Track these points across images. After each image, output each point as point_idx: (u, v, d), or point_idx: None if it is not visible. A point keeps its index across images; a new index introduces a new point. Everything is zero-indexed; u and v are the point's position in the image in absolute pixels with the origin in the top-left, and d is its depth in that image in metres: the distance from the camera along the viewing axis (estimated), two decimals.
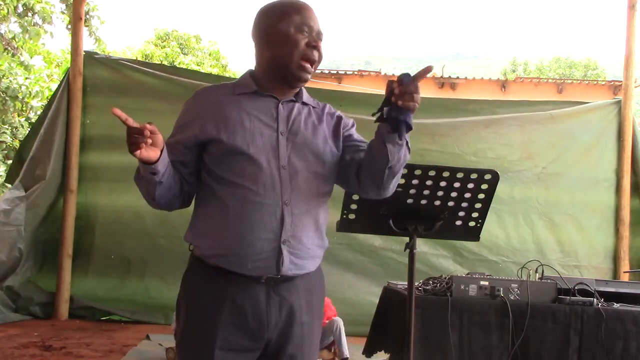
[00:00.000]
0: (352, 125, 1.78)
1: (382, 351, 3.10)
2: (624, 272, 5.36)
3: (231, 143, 1.57)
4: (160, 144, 1.49)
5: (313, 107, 1.73)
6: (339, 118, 1.76)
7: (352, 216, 2.31)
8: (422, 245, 5.37)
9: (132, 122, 1.43)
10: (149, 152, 1.46)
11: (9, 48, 9.09)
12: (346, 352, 4.02)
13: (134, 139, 1.43)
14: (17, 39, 8.95)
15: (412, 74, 1.48)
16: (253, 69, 1.73)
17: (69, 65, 5.75)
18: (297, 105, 1.69)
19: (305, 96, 1.72)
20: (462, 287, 2.84)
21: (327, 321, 4.14)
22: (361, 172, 1.67)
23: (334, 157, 1.69)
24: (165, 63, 17.58)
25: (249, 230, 1.55)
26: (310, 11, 1.66)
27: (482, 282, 2.86)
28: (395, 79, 1.48)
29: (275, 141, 1.61)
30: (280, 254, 1.56)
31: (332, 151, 1.69)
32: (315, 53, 1.63)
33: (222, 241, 1.57)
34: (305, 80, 1.65)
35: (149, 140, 1.44)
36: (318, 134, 1.68)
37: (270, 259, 1.56)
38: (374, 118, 1.55)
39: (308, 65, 1.62)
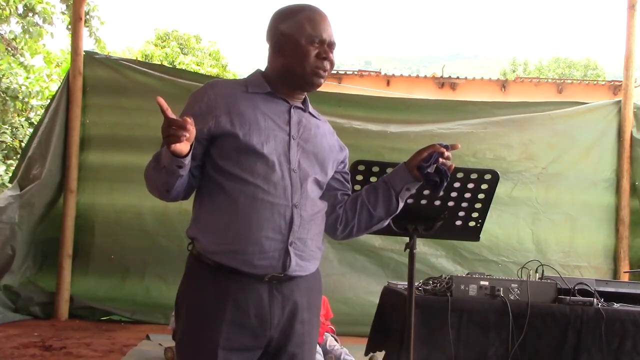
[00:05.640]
0: (345, 164, 1.84)
1: (383, 351, 3.10)
2: (624, 272, 5.36)
3: (247, 140, 1.57)
4: (192, 137, 1.45)
5: (317, 119, 1.77)
6: (342, 148, 1.82)
7: None
8: (422, 246, 5.37)
9: (171, 114, 1.40)
10: (182, 146, 1.43)
11: (10, 48, 9.10)
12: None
13: (175, 131, 1.39)
14: (18, 40, 8.95)
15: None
16: (262, 69, 1.74)
17: (69, 65, 5.75)
18: (306, 114, 1.72)
19: (311, 107, 1.75)
20: (462, 287, 2.84)
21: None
22: (340, 215, 1.75)
23: (331, 173, 1.75)
24: (165, 63, 17.57)
25: (257, 228, 1.55)
26: (324, 22, 1.67)
27: (482, 282, 2.86)
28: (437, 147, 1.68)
29: (287, 144, 1.63)
30: (288, 254, 1.57)
31: (332, 166, 1.75)
32: (326, 63, 1.65)
33: (228, 236, 1.56)
34: (318, 86, 1.68)
35: (188, 134, 1.41)
36: (324, 146, 1.72)
37: (276, 259, 1.56)
38: (422, 181, 1.70)
39: (320, 72, 1.64)
